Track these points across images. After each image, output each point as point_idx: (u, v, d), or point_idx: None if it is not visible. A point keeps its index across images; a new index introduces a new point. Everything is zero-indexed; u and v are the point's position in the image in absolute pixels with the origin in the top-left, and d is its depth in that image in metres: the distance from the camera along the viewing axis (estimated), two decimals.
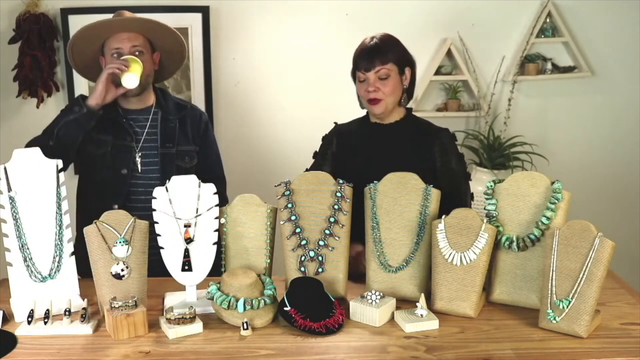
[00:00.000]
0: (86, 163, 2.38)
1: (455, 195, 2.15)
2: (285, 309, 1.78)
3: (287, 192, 2.00)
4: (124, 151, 2.36)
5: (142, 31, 2.34)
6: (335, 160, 2.29)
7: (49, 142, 2.18)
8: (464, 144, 3.40)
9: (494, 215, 1.94)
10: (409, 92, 2.25)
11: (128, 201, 2.31)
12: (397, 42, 2.20)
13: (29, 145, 2.16)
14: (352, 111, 2.34)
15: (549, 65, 3.47)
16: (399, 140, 2.23)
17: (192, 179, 1.98)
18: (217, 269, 2.01)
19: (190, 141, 2.43)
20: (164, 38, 2.39)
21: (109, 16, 2.37)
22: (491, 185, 1.96)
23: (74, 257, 1.92)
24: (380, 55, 2.14)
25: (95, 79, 2.36)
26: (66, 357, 1.64)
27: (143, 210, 2.06)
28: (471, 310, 1.85)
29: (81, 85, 3.31)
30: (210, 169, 2.45)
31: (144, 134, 2.38)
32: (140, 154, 2.36)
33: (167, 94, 2.51)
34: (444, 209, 1.93)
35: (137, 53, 2.30)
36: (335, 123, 2.35)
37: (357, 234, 2.02)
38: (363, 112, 2.33)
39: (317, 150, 2.33)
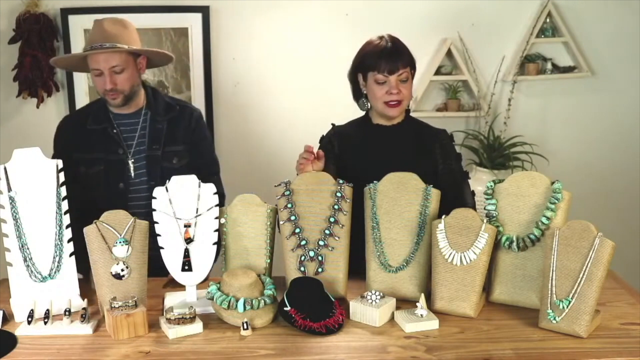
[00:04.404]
0: (79, 183, 2.29)
1: (458, 195, 2.17)
2: (285, 309, 1.78)
3: (287, 192, 2.00)
4: (118, 165, 2.32)
5: (118, 52, 2.25)
6: (337, 162, 2.28)
7: None
8: (464, 144, 3.40)
9: (494, 215, 1.93)
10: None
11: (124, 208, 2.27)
12: (404, 44, 2.21)
13: None
14: (353, 111, 2.34)
15: (549, 65, 3.47)
16: (403, 142, 2.23)
17: (192, 179, 1.98)
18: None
19: (179, 141, 2.39)
20: (151, 54, 2.38)
21: (108, 16, 2.36)
22: (491, 185, 1.96)
23: (74, 257, 1.92)
24: (401, 58, 2.15)
25: (81, 70, 2.41)
26: (66, 357, 1.64)
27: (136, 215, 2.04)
28: (471, 310, 1.85)
29: (81, 85, 3.32)
30: (203, 166, 2.38)
31: (136, 137, 2.36)
32: (132, 160, 2.34)
33: (157, 93, 2.46)
34: (447, 209, 1.93)
35: (115, 74, 2.24)
36: (333, 124, 2.34)
37: (357, 234, 2.02)
38: (361, 112, 2.32)
39: None
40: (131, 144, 2.35)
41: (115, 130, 2.34)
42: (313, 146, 2.10)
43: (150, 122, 2.38)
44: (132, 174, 2.33)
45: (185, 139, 2.41)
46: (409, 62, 2.17)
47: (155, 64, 2.50)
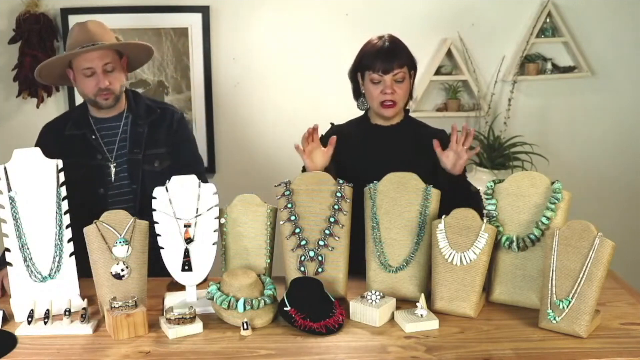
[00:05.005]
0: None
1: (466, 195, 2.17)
2: (285, 309, 1.78)
3: (287, 192, 2.00)
4: (98, 171, 2.32)
5: (112, 47, 2.28)
6: (336, 162, 2.28)
7: None
8: None
9: (494, 215, 1.93)
10: (410, 94, 2.26)
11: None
12: (404, 44, 2.21)
13: None
14: (353, 111, 2.34)
15: (549, 65, 3.47)
16: (402, 141, 2.24)
17: (192, 179, 1.98)
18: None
19: (161, 144, 2.37)
20: (134, 51, 2.37)
21: (106, 16, 2.36)
22: (491, 185, 1.96)
23: (74, 257, 1.92)
24: (397, 58, 2.15)
25: (63, 83, 2.37)
26: (66, 357, 1.64)
27: None
28: (471, 310, 1.85)
29: None
30: (186, 166, 2.30)
31: (117, 141, 2.35)
32: (114, 164, 2.33)
33: (139, 96, 2.45)
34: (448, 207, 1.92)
35: (108, 71, 2.25)
36: (332, 124, 2.34)
37: (357, 234, 2.02)
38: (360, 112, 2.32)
39: None
40: (112, 148, 2.34)
41: (94, 136, 2.33)
42: (318, 126, 2.12)
43: (131, 126, 2.37)
44: (113, 179, 2.33)
45: (167, 141, 2.39)
46: (407, 62, 2.17)
47: (134, 66, 2.48)
